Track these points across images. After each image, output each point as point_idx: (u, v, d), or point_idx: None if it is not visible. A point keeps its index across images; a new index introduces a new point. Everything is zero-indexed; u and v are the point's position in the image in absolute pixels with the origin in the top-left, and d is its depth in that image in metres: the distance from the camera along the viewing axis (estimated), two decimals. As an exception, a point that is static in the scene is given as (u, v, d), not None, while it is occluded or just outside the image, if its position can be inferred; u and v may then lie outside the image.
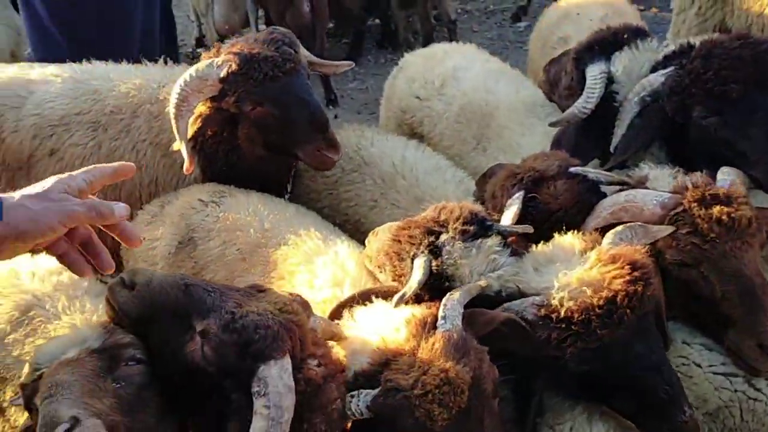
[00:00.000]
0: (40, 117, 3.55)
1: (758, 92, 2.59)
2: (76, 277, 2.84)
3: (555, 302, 2.05)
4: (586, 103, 2.93)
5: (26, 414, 2.47)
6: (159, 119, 3.49)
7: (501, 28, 8.49)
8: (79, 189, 1.65)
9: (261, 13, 7.25)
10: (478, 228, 2.31)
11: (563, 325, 2.02)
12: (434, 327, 1.97)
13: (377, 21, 8.35)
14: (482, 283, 2.21)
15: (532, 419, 2.18)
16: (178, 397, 1.91)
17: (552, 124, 3.07)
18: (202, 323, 1.83)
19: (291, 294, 1.97)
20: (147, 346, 1.92)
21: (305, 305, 1.97)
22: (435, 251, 2.26)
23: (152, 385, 1.88)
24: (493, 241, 2.29)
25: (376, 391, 1.85)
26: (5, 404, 2.70)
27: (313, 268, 2.57)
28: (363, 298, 2.23)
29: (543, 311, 2.06)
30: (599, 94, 2.92)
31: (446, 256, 2.24)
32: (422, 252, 2.26)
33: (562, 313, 2.02)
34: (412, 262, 2.26)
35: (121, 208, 1.71)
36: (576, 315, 2.01)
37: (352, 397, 1.89)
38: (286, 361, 1.76)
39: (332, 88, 7.00)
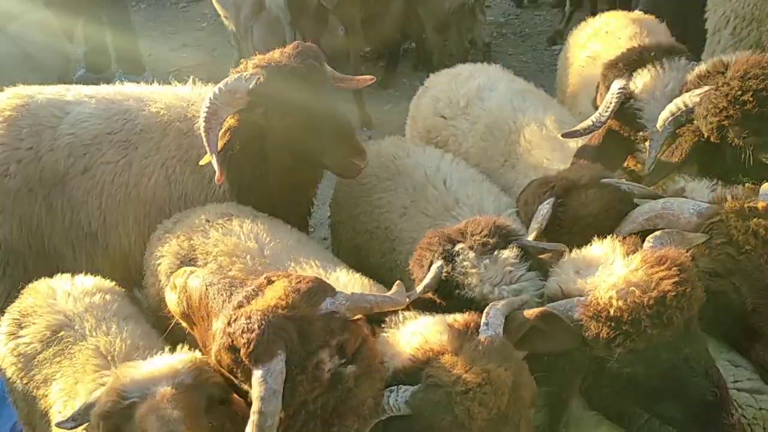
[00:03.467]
0: (75, 136, 3.64)
1: None
2: (108, 298, 2.94)
3: (604, 301, 1.99)
4: (600, 116, 2.95)
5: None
6: (188, 136, 3.54)
7: (536, 52, 8.44)
8: None
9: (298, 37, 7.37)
10: (498, 240, 2.31)
11: (613, 324, 1.97)
12: (476, 332, 1.95)
13: (412, 44, 8.41)
14: (525, 297, 2.20)
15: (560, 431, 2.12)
16: None
17: (566, 135, 3.05)
18: (215, 325, 1.90)
19: (303, 278, 1.93)
20: None
21: (316, 290, 1.91)
22: (449, 258, 2.29)
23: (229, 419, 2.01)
24: (510, 253, 2.28)
25: (417, 387, 1.83)
26: (35, 421, 2.74)
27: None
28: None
29: (591, 309, 2.00)
30: (614, 108, 2.93)
31: (458, 264, 2.27)
32: (436, 258, 2.29)
33: (612, 312, 1.97)
34: (429, 269, 2.28)
35: None
36: (626, 314, 1.95)
37: (391, 392, 1.87)
38: (274, 364, 1.74)
39: (366, 111, 7.03)
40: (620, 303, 1.96)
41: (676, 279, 1.95)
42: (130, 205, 3.64)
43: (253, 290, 1.94)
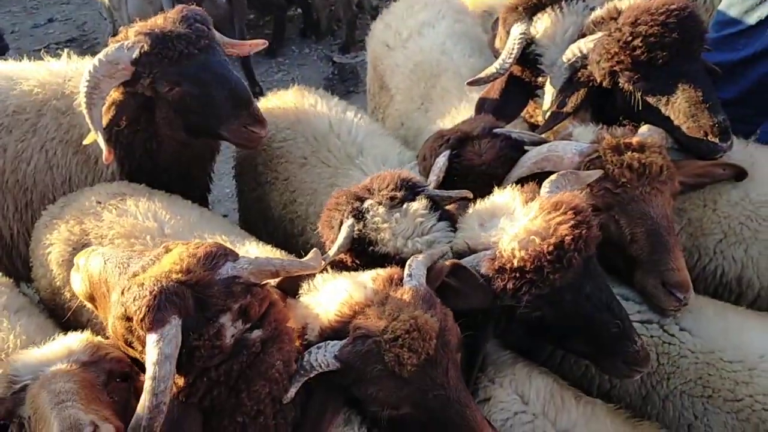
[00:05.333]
0: (-61, 123, 3.30)
1: (682, 58, 2.59)
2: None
3: (507, 254, 2.04)
4: (503, 62, 2.94)
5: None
6: (67, 115, 3.28)
7: (424, 13, 8.45)
8: None
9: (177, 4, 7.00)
10: (406, 193, 2.30)
11: (517, 275, 2.02)
12: (400, 283, 1.94)
13: (299, 11, 8.20)
14: (444, 248, 2.22)
15: (475, 372, 2.18)
16: None
17: (470, 83, 3.04)
18: (112, 297, 1.85)
19: (202, 244, 1.87)
20: None
21: (215, 254, 1.83)
22: (359, 216, 2.27)
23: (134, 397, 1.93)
24: (418, 205, 2.27)
25: (344, 340, 1.82)
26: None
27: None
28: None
29: (497, 264, 2.04)
30: (516, 55, 2.92)
31: (369, 221, 2.25)
32: (346, 217, 2.26)
33: (515, 263, 2.02)
34: (339, 229, 2.25)
35: None
36: (528, 263, 2.01)
37: (318, 349, 1.84)
38: (167, 330, 1.69)
39: (257, 80, 6.82)
40: (522, 253, 2.01)
41: (572, 222, 2.02)
42: (8, 194, 3.35)
43: (150, 260, 1.87)
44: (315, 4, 7.73)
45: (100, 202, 2.85)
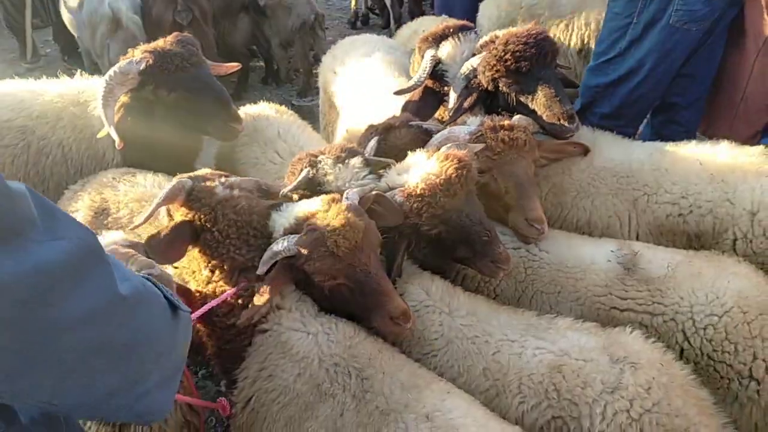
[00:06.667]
0: (-25, 125, 4.08)
1: (539, 67, 3.61)
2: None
3: (413, 186, 2.96)
4: (419, 77, 3.99)
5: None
6: (82, 118, 4.14)
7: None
8: None
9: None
10: (348, 154, 3.22)
11: (420, 199, 2.92)
12: (340, 201, 2.79)
13: (260, 63, 9.24)
14: (372, 185, 3.10)
15: (393, 275, 3.01)
16: None
17: (396, 92, 4.07)
18: None
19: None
20: None
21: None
22: (313, 165, 3.19)
23: None
24: (356, 161, 3.19)
25: (301, 234, 2.66)
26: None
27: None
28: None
29: (406, 192, 2.96)
30: (428, 71, 3.95)
31: (320, 168, 3.16)
32: (304, 167, 3.17)
33: (418, 191, 2.93)
34: (300, 174, 3.16)
35: None
36: (427, 191, 2.92)
37: (283, 240, 2.66)
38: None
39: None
40: (423, 185, 2.92)
41: (457, 165, 2.93)
42: (29, 182, 4.11)
43: None
44: (275, 56, 8.77)
45: (115, 178, 3.68)
